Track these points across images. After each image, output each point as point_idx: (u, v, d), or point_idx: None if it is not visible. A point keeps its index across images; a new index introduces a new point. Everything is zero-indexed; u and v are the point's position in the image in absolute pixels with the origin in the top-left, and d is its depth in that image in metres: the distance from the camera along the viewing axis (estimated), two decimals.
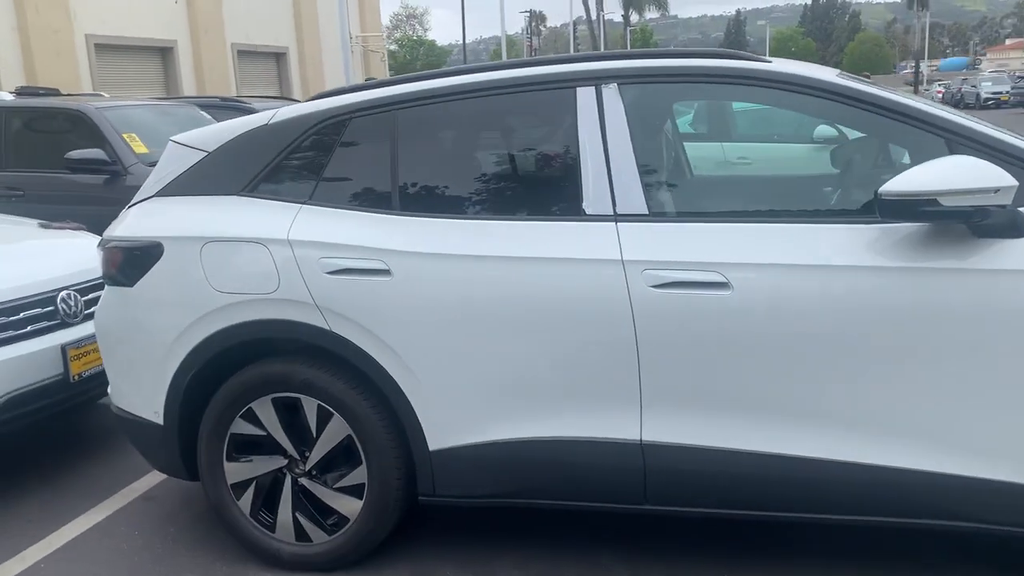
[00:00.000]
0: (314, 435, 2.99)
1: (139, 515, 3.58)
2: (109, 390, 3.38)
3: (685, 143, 3.40)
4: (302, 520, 3.06)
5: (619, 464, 2.72)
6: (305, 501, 3.06)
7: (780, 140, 6.17)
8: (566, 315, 2.68)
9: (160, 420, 3.13)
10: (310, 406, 2.97)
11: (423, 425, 2.86)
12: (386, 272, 2.82)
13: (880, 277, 2.45)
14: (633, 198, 2.69)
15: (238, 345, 3.00)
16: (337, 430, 2.96)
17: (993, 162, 2.34)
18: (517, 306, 2.71)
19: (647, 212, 2.68)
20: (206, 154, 3.18)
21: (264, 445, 3.07)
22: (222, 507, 3.13)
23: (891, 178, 2.37)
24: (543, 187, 2.93)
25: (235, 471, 3.11)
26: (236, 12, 22.68)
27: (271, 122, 3.13)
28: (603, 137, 2.74)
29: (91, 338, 4.01)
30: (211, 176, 3.16)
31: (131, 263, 3.12)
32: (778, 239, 2.56)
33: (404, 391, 2.85)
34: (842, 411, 2.53)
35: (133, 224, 3.20)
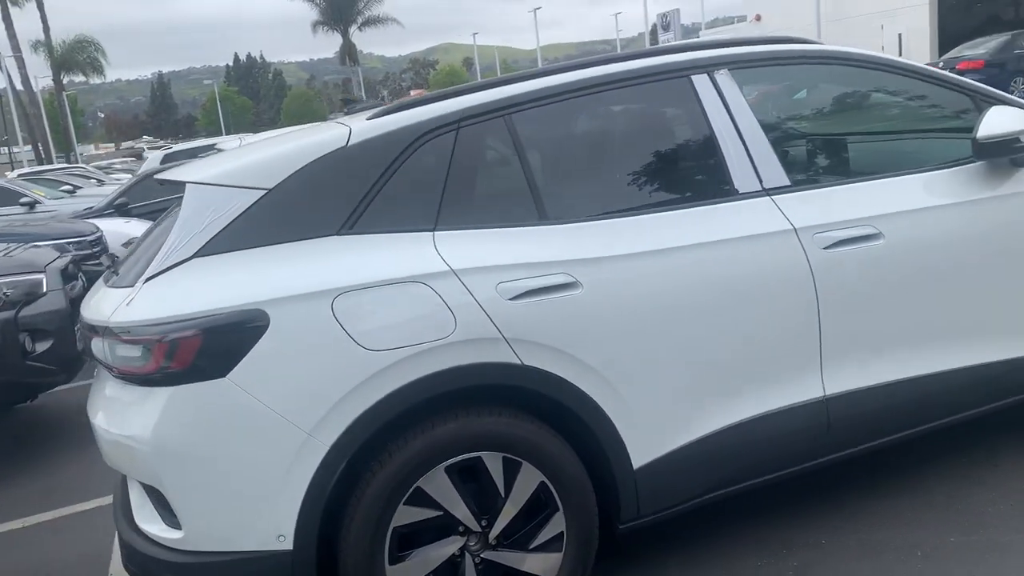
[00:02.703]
0: (502, 494, 2.55)
1: None
2: (167, 535, 2.41)
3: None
4: None
5: (806, 424, 2.85)
6: None
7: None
8: (759, 289, 2.74)
9: (289, 544, 2.36)
10: (493, 462, 2.53)
11: (627, 444, 2.64)
12: (574, 285, 2.55)
13: (981, 206, 3.01)
14: (774, 172, 2.85)
15: (402, 414, 2.42)
16: (528, 480, 2.57)
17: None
18: (712, 292, 2.69)
19: (789, 183, 2.87)
20: (264, 192, 2.49)
21: (433, 529, 2.51)
22: None
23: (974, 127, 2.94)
24: (690, 173, 2.94)
25: (402, 574, 2.48)
26: None
27: (351, 144, 2.57)
28: (732, 119, 2.85)
29: None
30: (284, 218, 2.48)
31: (215, 347, 2.30)
32: (906, 188, 2.96)
33: (606, 411, 2.60)
34: (976, 320, 3.03)
35: (185, 298, 2.35)
